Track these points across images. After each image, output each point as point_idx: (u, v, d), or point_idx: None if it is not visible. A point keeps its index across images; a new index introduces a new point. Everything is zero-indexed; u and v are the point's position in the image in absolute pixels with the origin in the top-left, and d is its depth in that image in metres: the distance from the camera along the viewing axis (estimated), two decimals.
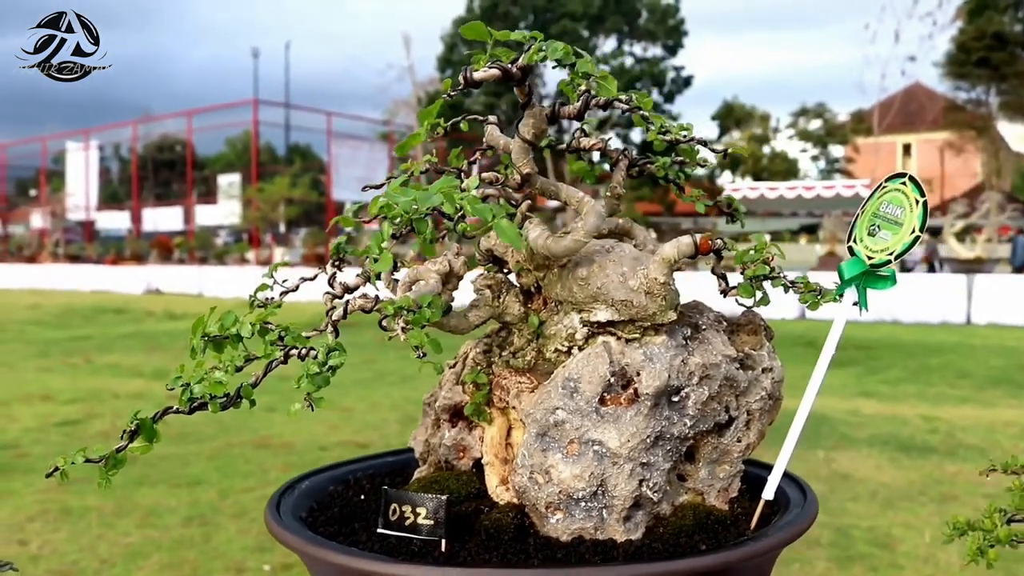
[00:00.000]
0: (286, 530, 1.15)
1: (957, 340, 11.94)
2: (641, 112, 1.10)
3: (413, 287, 1.08)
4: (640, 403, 1.13)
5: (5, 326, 14.83)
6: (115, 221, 39.92)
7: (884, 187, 1.13)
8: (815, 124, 59.82)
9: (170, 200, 40.78)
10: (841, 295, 1.13)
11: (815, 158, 61.11)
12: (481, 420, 1.24)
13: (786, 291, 1.15)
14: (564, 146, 1.31)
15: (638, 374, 1.14)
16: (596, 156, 1.37)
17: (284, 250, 29.90)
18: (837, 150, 59.96)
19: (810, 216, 34.81)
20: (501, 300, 1.22)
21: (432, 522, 1.11)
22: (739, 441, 1.24)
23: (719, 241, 1.13)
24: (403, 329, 0.90)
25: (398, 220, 0.94)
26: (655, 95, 48.60)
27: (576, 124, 1.32)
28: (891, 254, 1.12)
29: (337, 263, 1.18)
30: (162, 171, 45.24)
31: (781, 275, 1.14)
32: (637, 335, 1.18)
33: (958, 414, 7.20)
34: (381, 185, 1.18)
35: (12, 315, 17.02)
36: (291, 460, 5.83)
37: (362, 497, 1.34)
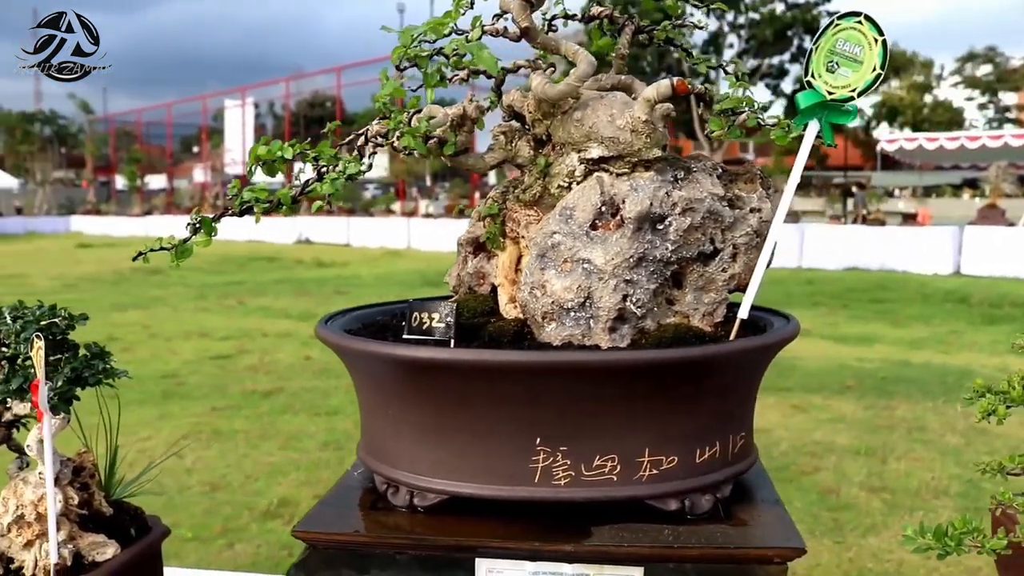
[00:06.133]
0: (330, 333, 1.39)
1: None
2: None
3: (430, 121, 1.28)
4: (624, 227, 1.30)
5: (168, 272, 16.17)
6: None
7: (837, 25, 1.22)
8: (984, 70, 55.86)
9: None
10: (804, 126, 1.25)
11: (983, 107, 57.21)
12: (495, 248, 1.45)
13: (759, 127, 1.28)
14: (579, 15, 1.47)
15: (624, 202, 1.31)
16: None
17: (428, 202, 30.77)
18: (1009, 97, 55.88)
19: (975, 169, 32.60)
20: (514, 145, 1.41)
21: (444, 325, 1.32)
22: (724, 271, 1.38)
23: (696, 85, 1.28)
24: (397, 137, 1.12)
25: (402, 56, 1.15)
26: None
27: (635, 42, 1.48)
28: (854, 91, 1.23)
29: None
30: (313, 126, 47.21)
31: (753, 112, 1.27)
32: (627, 170, 1.35)
33: None
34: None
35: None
36: None
37: (394, 321, 1.58)
